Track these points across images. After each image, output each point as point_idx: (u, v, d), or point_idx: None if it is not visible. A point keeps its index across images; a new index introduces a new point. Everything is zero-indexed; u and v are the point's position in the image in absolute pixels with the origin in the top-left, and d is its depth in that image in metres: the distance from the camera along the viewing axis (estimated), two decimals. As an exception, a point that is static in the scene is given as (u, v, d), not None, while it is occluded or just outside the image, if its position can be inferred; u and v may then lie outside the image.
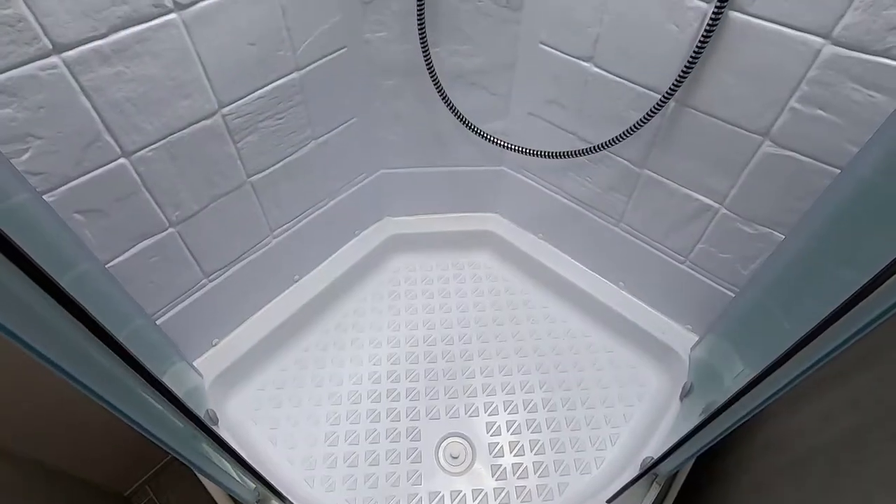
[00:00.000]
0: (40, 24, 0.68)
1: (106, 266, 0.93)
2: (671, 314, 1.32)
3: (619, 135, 1.05)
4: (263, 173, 1.11)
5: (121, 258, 0.95)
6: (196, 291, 1.14)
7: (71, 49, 0.72)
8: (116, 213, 0.90)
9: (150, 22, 0.78)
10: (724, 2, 0.80)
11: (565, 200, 1.34)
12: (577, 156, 1.15)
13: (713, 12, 0.82)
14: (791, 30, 0.78)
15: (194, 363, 1.20)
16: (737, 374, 0.93)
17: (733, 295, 1.14)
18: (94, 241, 0.90)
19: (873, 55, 0.73)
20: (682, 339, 1.28)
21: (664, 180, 1.10)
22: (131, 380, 0.54)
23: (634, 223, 1.23)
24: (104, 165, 0.84)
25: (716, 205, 1.05)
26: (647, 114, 0.98)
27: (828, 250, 0.81)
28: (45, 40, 0.69)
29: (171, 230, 1.00)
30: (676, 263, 1.21)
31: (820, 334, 0.58)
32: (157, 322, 1.08)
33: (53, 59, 0.71)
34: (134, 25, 0.77)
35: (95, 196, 0.85)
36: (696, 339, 1.26)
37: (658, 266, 1.24)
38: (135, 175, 0.89)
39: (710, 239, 1.11)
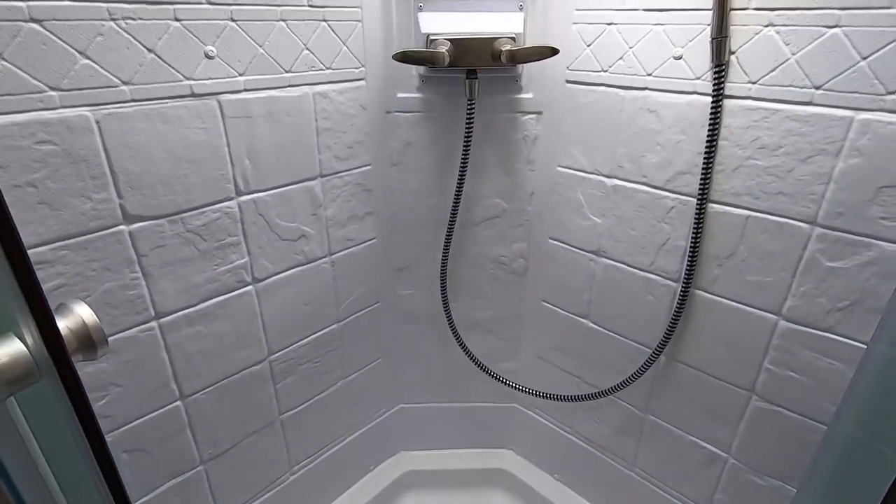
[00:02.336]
0: (152, 299, 0.88)
1: (132, 506, 0.96)
2: (705, 576, 1.22)
3: (620, 382, 1.16)
4: (294, 411, 1.20)
5: (146, 498, 0.98)
6: (206, 534, 1.12)
7: (167, 316, 0.91)
8: (158, 452, 0.97)
9: (232, 292, 0.99)
10: (688, 284, 1.00)
11: (577, 440, 1.38)
12: (582, 400, 1.24)
13: (681, 290, 1.02)
14: (748, 307, 0.96)
15: None
16: None
17: (764, 555, 1.08)
18: (130, 481, 0.95)
19: (820, 331, 0.89)
20: None
21: (669, 426, 1.16)
22: None
23: (648, 468, 1.25)
24: (162, 408, 0.95)
25: (723, 454, 1.09)
26: (642, 366, 1.11)
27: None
28: (152, 310, 0.89)
29: (200, 468, 1.05)
30: (698, 515, 1.17)
31: None
32: (160, 571, 1.04)
33: (152, 324, 0.89)
34: (220, 296, 0.97)
35: (145, 436, 0.94)
36: None
37: (680, 517, 1.20)
38: (184, 416, 0.99)
39: (727, 490, 1.11)
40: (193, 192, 0.88)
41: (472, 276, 1.33)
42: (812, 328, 0.89)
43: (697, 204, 0.95)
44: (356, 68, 1.05)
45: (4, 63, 0.65)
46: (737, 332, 0.99)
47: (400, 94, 1.11)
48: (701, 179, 0.93)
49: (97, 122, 0.74)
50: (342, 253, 1.17)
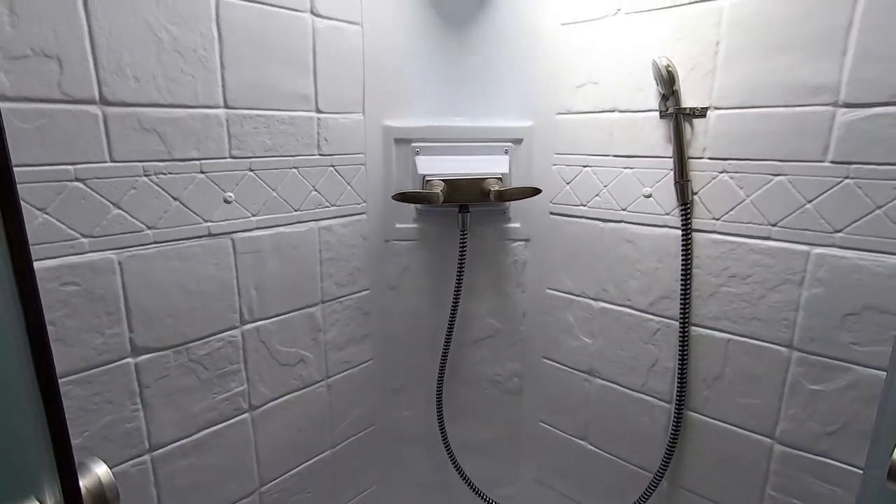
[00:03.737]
0: (148, 431, 0.88)
1: None
2: None
3: (624, 511, 1.12)
4: (281, 549, 1.13)
5: None
6: None
7: (162, 448, 0.90)
8: None
9: (228, 421, 0.99)
10: (681, 405, 1.02)
11: (585, 578, 1.28)
12: (587, 531, 1.18)
13: (675, 412, 1.03)
14: (742, 430, 0.97)
15: None
16: None
17: None
18: None
19: (816, 455, 0.89)
20: None
21: (679, 561, 1.10)
22: None
23: None
24: (144, 551, 0.90)
25: None
26: (644, 493, 1.08)
27: None
28: (146, 443, 0.88)
29: None
30: None
31: None
32: None
33: (145, 457, 0.88)
34: (216, 425, 0.97)
35: (122, 584, 0.88)
36: None
37: None
38: (166, 559, 0.93)
39: None
40: (201, 323, 0.92)
41: (468, 396, 1.33)
42: (807, 452, 0.90)
43: (680, 327, 1.00)
44: (359, 204, 1.15)
45: (46, 216, 0.73)
46: (735, 455, 0.98)
47: (398, 225, 1.21)
48: (681, 304, 0.99)
49: (119, 264, 0.81)
50: (339, 376, 1.18)
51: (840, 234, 0.82)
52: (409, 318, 1.27)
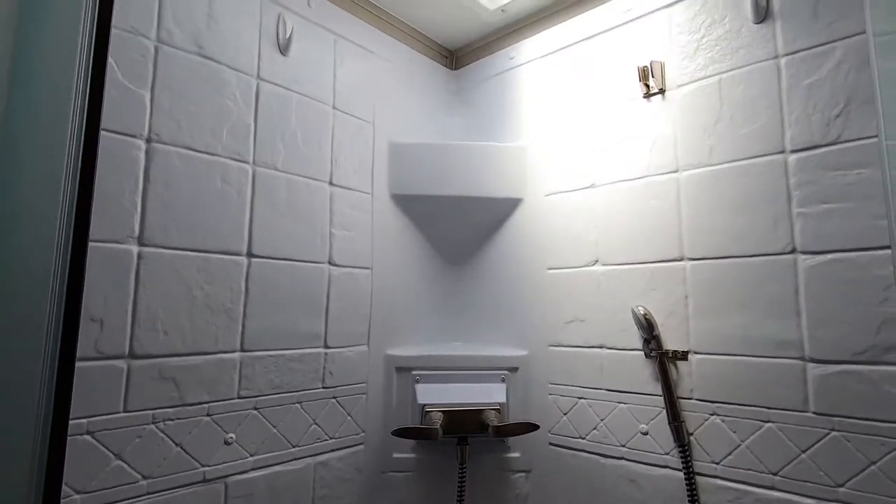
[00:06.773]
0: None
1: None
2: None
3: None
4: None
5: None
6: None
7: None
8: None
9: None
10: None
11: None
12: None
13: None
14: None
15: None
16: None
17: None
18: None
19: None
20: None
21: None
22: None
23: None
24: None
25: None
26: None
27: None
28: None
29: None
30: None
31: None
32: None
33: None
34: None
35: None
36: None
37: None
38: None
39: None
40: (175, 587, 0.84)
41: None
42: None
43: (701, 589, 0.91)
44: (357, 434, 1.14)
45: (46, 474, 0.73)
46: None
47: (396, 455, 1.18)
48: (697, 560, 0.92)
49: (106, 522, 0.77)
50: None
51: (843, 489, 0.82)
52: (402, 565, 1.15)
